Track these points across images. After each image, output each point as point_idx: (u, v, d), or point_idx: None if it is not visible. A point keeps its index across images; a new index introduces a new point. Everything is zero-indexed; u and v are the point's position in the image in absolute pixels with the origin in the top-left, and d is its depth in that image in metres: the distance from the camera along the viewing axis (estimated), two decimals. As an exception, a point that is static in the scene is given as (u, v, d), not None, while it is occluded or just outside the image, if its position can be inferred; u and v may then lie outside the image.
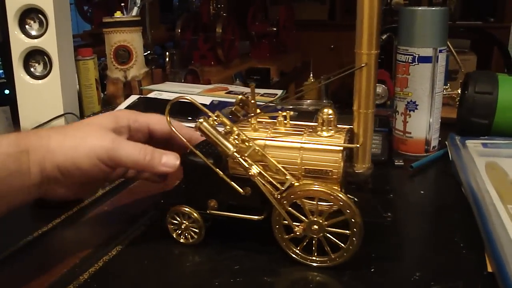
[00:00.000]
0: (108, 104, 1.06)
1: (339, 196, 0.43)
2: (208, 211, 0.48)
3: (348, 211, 0.43)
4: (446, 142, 0.75)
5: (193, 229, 0.49)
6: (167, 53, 1.56)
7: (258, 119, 0.49)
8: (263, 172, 0.45)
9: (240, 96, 0.49)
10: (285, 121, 0.49)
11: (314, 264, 0.45)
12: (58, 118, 0.86)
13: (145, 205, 0.60)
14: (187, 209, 0.49)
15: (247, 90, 1.05)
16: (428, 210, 0.58)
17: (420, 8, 0.69)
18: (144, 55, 1.10)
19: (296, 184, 0.44)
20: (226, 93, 0.99)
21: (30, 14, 0.85)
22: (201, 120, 0.45)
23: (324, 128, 0.46)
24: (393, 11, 2.07)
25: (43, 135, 0.47)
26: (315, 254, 0.45)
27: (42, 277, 0.45)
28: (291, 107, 0.94)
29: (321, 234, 0.44)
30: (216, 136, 0.45)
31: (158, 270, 0.46)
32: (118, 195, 0.63)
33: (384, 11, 2.14)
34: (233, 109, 0.50)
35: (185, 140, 0.47)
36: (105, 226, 0.55)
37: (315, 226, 0.44)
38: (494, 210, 0.50)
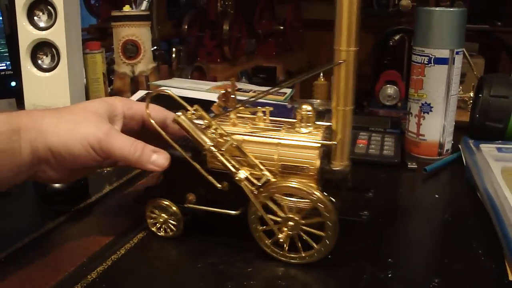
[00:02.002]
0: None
1: (314, 193, 0.42)
2: (185, 205, 0.48)
3: (322, 208, 0.42)
4: (459, 146, 0.73)
5: (171, 222, 0.49)
6: (174, 49, 1.55)
7: (239, 115, 0.49)
8: (248, 175, 0.44)
9: (222, 91, 0.49)
10: (265, 117, 0.48)
11: (292, 261, 0.45)
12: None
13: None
14: (166, 203, 0.49)
15: (255, 88, 1.04)
16: (444, 215, 0.57)
17: (438, 9, 0.68)
18: (151, 51, 1.09)
19: (273, 180, 0.44)
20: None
21: (38, 5, 0.83)
22: (179, 113, 0.45)
23: (303, 124, 0.46)
24: (401, 12, 2.05)
25: (36, 116, 0.46)
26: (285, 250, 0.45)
27: (49, 275, 0.44)
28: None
29: (296, 231, 0.44)
30: (193, 130, 0.45)
31: (168, 271, 0.45)
32: (126, 191, 0.62)
33: (392, 12, 2.13)
34: (215, 104, 0.49)
35: (163, 133, 0.47)
36: (113, 223, 0.54)
37: (291, 223, 0.44)
38: (513, 217, 0.49)
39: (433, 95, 0.70)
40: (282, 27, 2.08)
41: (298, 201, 0.44)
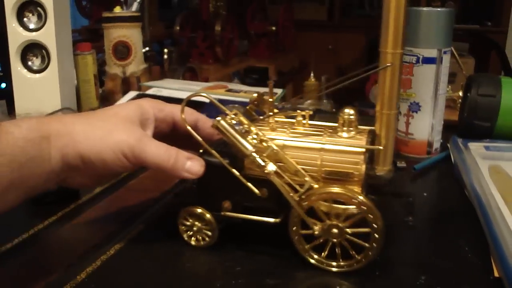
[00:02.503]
0: (106, 100, 1.05)
1: (361, 200, 0.41)
2: (222, 213, 0.47)
3: (370, 215, 0.41)
4: (448, 145, 0.74)
5: (205, 231, 0.48)
6: (166, 50, 1.55)
7: (276, 119, 0.47)
8: (280, 172, 0.43)
9: (255, 94, 0.48)
10: (304, 121, 0.47)
11: (334, 269, 0.44)
12: (55, 113, 0.85)
13: (143, 203, 0.59)
14: (199, 210, 0.47)
15: (247, 88, 1.04)
16: (431, 212, 0.57)
17: (425, 9, 0.69)
18: (143, 52, 1.09)
19: (316, 186, 0.43)
20: (226, 91, 0.98)
21: (28, 6, 0.83)
22: (218, 118, 0.43)
23: (345, 129, 0.45)
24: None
25: (67, 122, 0.46)
26: (339, 259, 0.44)
27: (38, 276, 0.44)
28: (289, 105, 0.93)
29: (340, 238, 0.43)
30: (234, 136, 0.43)
31: (157, 271, 0.45)
32: (116, 192, 0.62)
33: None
34: (247, 107, 0.48)
35: (200, 139, 0.45)
36: (103, 224, 0.54)
37: (335, 230, 0.43)
38: (499, 215, 0.49)
39: (421, 94, 0.71)
40: (274, 28, 2.08)
41: (342, 207, 0.42)
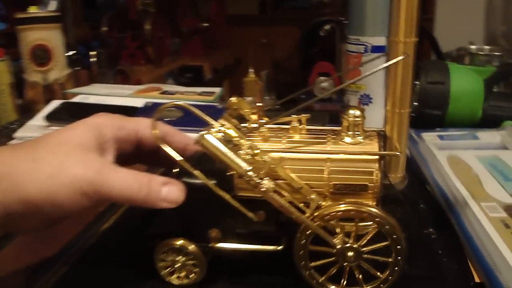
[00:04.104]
0: (27, 111, 0.95)
1: (378, 214, 0.35)
2: (210, 244, 0.39)
3: (389, 229, 0.35)
4: (401, 136, 0.71)
5: (190, 266, 0.40)
6: (93, 52, 1.46)
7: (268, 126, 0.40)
8: (280, 191, 0.36)
9: (233, 99, 0.39)
10: (300, 127, 0.40)
11: None
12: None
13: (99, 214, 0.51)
14: (179, 242, 0.39)
15: (182, 89, 0.98)
16: (395, 213, 0.53)
17: (370, -6, 0.65)
18: (67, 56, 1.00)
19: (324, 204, 0.36)
20: (160, 93, 0.91)
21: None
22: (203, 132, 0.36)
23: (350, 133, 0.38)
24: (325, 3, 2.05)
25: (6, 160, 0.36)
26: (362, 284, 0.37)
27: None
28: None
29: (358, 261, 0.37)
30: (225, 153, 0.35)
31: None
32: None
33: (316, 3, 2.13)
34: (226, 114, 0.39)
35: (180, 158, 0.37)
36: (58, 236, 0.47)
37: (350, 253, 0.36)
38: (470, 212, 0.46)
39: (372, 85, 0.67)
40: (206, 24, 2.03)
41: (357, 225, 0.36)
